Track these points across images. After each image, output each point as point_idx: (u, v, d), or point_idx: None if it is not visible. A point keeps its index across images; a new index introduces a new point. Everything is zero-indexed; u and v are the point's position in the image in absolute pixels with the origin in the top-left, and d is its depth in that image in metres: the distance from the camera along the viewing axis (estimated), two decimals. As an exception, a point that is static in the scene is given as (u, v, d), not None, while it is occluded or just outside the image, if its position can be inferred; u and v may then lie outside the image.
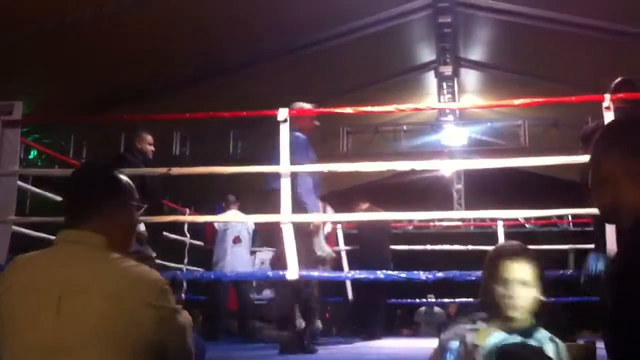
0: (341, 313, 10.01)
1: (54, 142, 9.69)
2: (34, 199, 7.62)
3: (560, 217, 11.48)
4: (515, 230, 9.92)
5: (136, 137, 5.98)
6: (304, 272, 4.40)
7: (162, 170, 4.86)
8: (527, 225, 10.93)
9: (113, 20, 7.06)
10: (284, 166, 4.65)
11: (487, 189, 12.46)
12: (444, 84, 10.67)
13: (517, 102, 5.03)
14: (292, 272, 4.40)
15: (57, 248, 1.92)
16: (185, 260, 8.48)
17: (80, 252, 1.85)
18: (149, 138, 5.98)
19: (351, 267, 7.95)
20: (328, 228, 7.43)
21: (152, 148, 5.98)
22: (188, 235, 8.57)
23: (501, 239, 7.58)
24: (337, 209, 7.59)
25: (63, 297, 1.73)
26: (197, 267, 9.05)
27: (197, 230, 8.76)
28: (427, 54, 10.48)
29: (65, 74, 7.72)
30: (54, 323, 1.71)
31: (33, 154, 9.46)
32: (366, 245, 7.46)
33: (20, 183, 6.14)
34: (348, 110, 4.74)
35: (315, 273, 4.56)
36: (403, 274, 4.22)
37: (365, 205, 7.80)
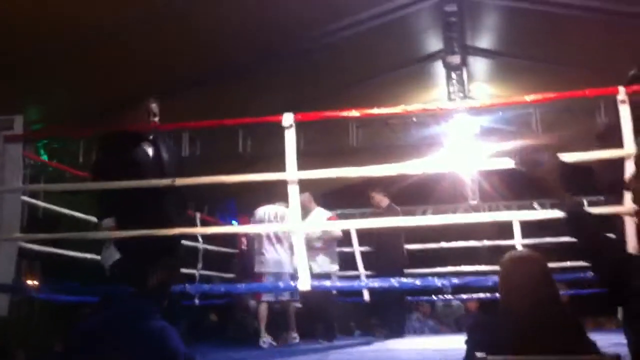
0: (360, 313, 9.92)
1: (64, 147, 9.63)
2: (46, 212, 7.57)
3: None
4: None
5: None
6: (316, 283, 4.30)
7: (167, 181, 4.76)
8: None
9: (119, 29, 6.99)
10: (291, 173, 4.55)
11: (502, 178, 12.34)
12: (453, 74, 10.51)
13: (528, 98, 4.91)
14: (304, 282, 4.30)
15: None
16: (199, 266, 8.42)
17: None
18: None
19: (367, 268, 7.81)
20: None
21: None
22: (201, 240, 8.52)
23: (517, 232, 7.49)
24: (350, 203, 7.42)
25: None
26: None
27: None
28: (434, 44, 10.31)
29: (70, 82, 7.66)
30: None
31: (45, 157, 9.40)
32: (380, 246, 7.31)
33: (28, 199, 6.10)
34: (354, 113, 4.62)
35: (327, 283, 4.45)
36: (418, 281, 4.12)
37: (380, 197, 7.57)
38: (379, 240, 7.34)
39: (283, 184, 4.71)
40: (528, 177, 2.42)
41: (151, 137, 5.07)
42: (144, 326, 3.37)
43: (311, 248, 6.54)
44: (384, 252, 7.19)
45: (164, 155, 5.05)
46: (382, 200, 7.67)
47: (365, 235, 8.13)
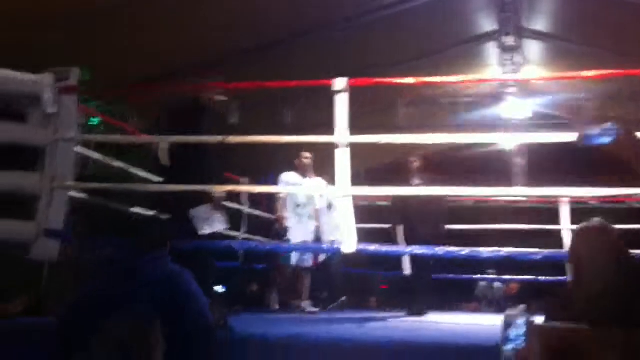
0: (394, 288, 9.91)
1: (113, 111, 9.70)
2: (96, 164, 7.63)
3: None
4: (578, 206, 9.63)
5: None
6: (362, 246, 4.29)
7: (218, 138, 4.79)
8: (591, 203, 10.57)
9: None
10: (340, 136, 4.54)
11: (552, 163, 12.12)
12: (506, 55, 10.37)
13: (584, 74, 4.80)
14: (350, 245, 4.29)
15: None
16: (243, 229, 8.46)
17: None
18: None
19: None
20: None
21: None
22: (248, 203, 8.60)
23: (565, 216, 7.37)
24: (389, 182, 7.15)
25: None
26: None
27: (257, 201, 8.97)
28: (488, 24, 10.16)
29: (119, 50, 7.67)
30: None
31: (96, 121, 9.48)
32: (414, 222, 6.85)
33: (81, 150, 6.12)
34: (409, 80, 4.57)
35: (372, 247, 4.43)
36: (465, 251, 4.06)
37: (417, 162, 7.28)
38: (411, 217, 6.95)
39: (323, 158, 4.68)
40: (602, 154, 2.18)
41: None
42: (156, 271, 3.28)
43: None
44: (419, 230, 6.78)
45: None
46: (416, 161, 7.37)
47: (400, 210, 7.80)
